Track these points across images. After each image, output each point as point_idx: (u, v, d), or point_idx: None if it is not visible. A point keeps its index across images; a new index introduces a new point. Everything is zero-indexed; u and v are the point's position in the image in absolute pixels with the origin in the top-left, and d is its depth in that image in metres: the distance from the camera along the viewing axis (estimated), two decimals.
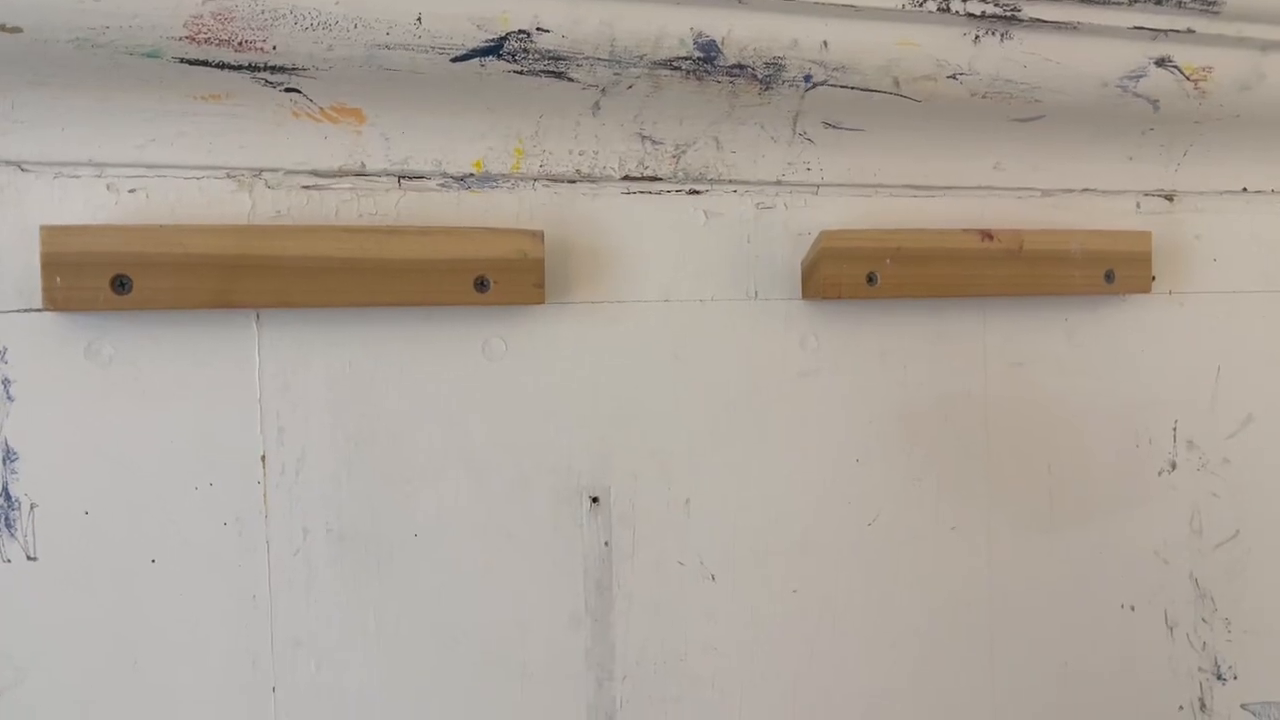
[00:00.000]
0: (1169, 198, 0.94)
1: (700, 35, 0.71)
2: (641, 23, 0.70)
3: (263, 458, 0.69)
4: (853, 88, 0.77)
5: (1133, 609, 0.93)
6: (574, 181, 0.76)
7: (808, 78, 0.75)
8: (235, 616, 0.69)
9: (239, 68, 0.65)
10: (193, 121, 0.67)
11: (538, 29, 0.68)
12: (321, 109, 0.69)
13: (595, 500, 0.77)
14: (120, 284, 0.64)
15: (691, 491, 0.79)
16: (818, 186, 0.83)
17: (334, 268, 0.68)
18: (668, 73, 0.72)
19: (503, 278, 0.72)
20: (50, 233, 0.62)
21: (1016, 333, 0.89)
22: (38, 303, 0.65)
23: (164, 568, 0.67)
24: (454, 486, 0.74)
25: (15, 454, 0.65)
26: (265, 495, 0.69)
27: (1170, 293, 0.94)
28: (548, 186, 0.76)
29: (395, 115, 0.71)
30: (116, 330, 0.67)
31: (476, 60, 0.68)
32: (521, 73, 0.69)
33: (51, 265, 0.62)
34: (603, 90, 0.72)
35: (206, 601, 0.68)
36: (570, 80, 0.71)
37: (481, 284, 0.71)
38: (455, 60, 0.67)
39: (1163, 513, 0.94)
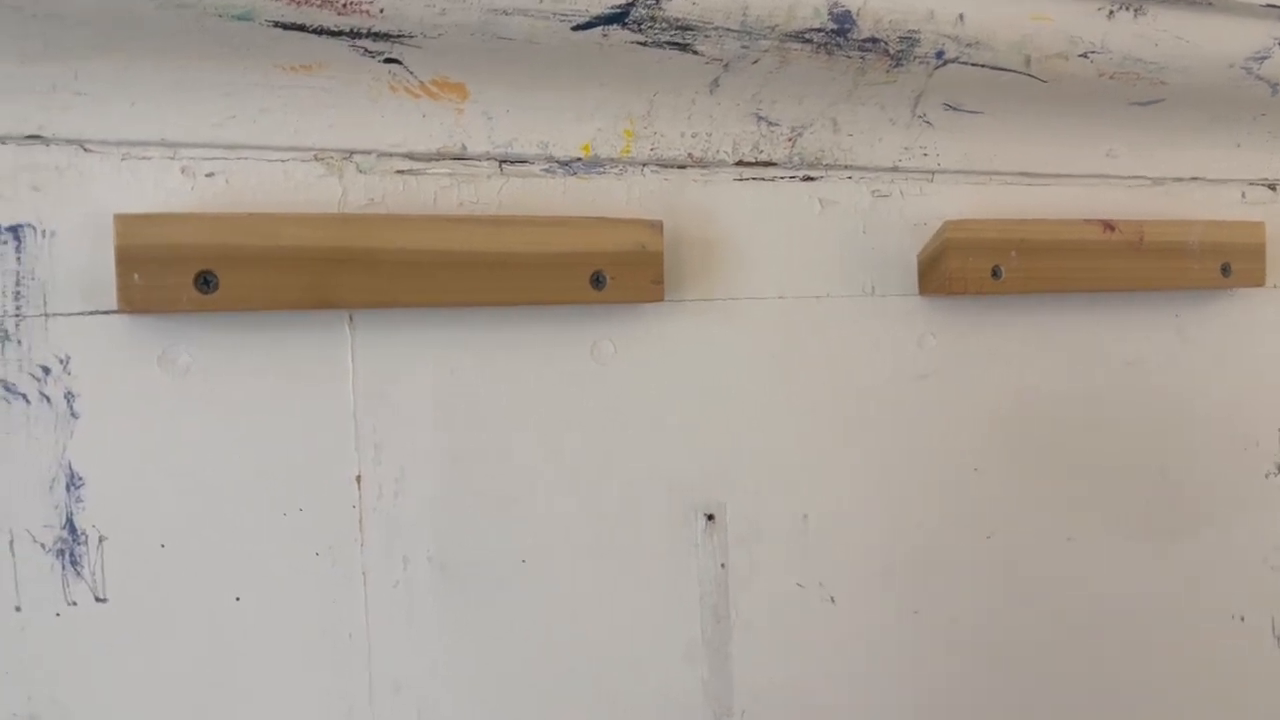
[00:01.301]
0: (1272, 187, 0.89)
1: (836, 5, 0.65)
2: None
3: (357, 478, 0.61)
4: (983, 65, 0.71)
5: (1242, 619, 0.88)
6: (684, 167, 0.69)
7: (940, 54, 0.69)
8: (329, 658, 0.61)
9: (338, 34, 0.57)
10: (278, 96, 0.59)
11: None
12: (421, 83, 0.61)
13: (710, 518, 0.70)
14: (204, 281, 0.55)
15: (810, 507, 0.73)
16: (933, 173, 0.76)
17: (441, 262, 0.60)
18: (798, 46, 0.65)
19: (620, 273, 0.64)
20: (126, 222, 0.54)
21: (1128, 330, 0.83)
22: (105, 304, 0.56)
23: (249, 605, 0.59)
24: (563, 506, 0.66)
25: (80, 479, 0.56)
26: (361, 521, 0.61)
27: (1275, 286, 0.89)
28: (657, 172, 0.69)
29: (500, 91, 0.63)
30: (193, 335, 0.58)
31: (599, 29, 0.60)
32: (645, 44, 0.62)
33: (128, 260, 0.54)
34: (726, 65, 0.65)
35: (297, 642, 0.60)
36: (695, 53, 0.64)
37: (597, 280, 0.64)
38: (577, 29, 0.60)
39: (1271, 518, 0.89)
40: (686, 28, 0.62)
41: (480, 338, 0.64)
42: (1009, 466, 0.79)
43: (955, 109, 0.74)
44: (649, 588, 0.68)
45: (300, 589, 0.60)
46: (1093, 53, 0.73)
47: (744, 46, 0.64)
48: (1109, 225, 0.78)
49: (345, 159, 0.61)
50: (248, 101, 0.58)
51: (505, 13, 0.58)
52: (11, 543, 0.54)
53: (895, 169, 0.75)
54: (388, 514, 0.62)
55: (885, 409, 0.75)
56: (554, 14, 0.59)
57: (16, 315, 0.54)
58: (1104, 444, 0.82)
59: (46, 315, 0.55)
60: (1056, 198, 0.81)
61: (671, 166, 0.69)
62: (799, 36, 0.65)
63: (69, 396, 0.56)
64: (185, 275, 0.55)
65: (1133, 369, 0.83)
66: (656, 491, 0.68)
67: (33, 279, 0.55)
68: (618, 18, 0.60)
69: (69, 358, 0.55)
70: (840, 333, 0.73)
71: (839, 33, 0.66)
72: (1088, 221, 0.78)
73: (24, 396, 0.55)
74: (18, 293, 0.55)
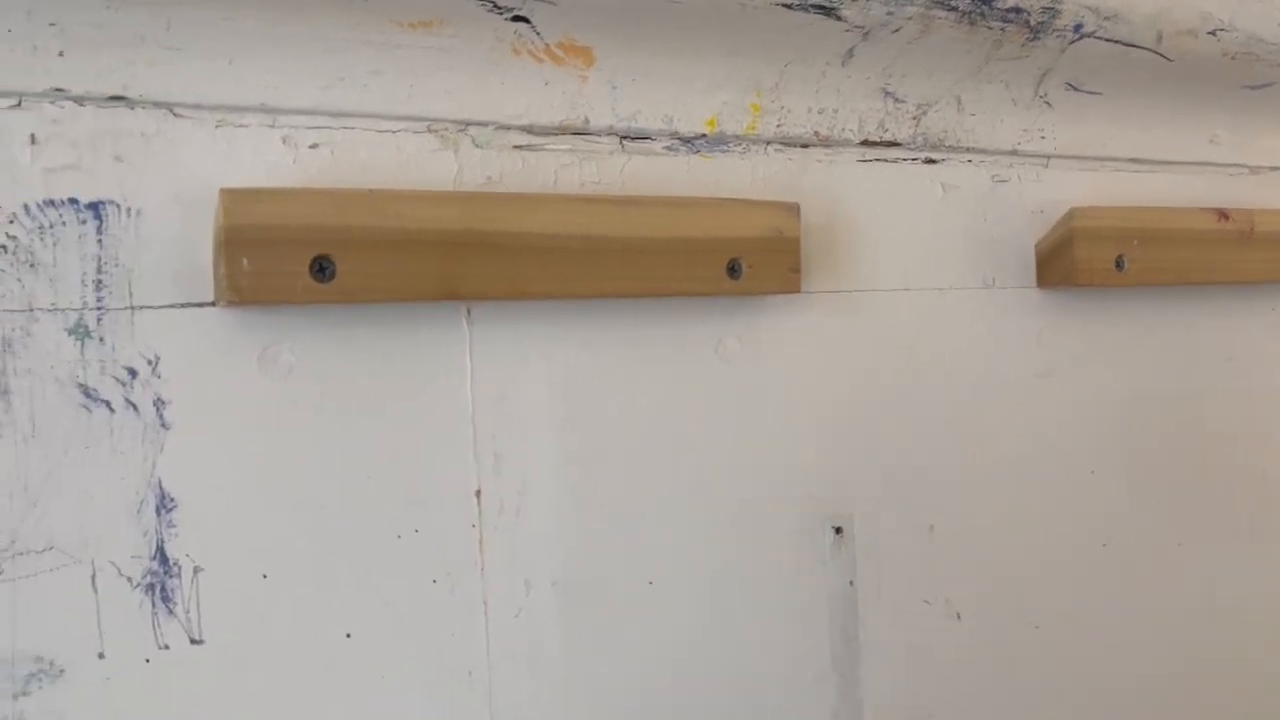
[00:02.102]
0: None
1: None
2: None
3: (477, 493, 0.54)
4: (1116, 41, 0.66)
5: None
6: (808, 146, 0.63)
7: (1078, 27, 0.64)
8: (449, 700, 0.53)
9: None
10: (392, 57, 0.51)
11: None
12: (547, 45, 0.54)
13: (838, 531, 0.64)
14: (320, 268, 0.47)
15: (935, 516, 0.67)
16: (1048, 158, 0.72)
17: (574, 249, 0.53)
18: (942, 14, 0.60)
19: (756, 261, 0.58)
20: (235, 198, 0.46)
21: (1226, 325, 0.80)
22: (199, 294, 0.48)
23: (361, 643, 0.51)
24: (690, 521, 0.59)
25: (173, 501, 0.47)
26: (481, 541, 0.54)
27: None
28: (781, 151, 0.63)
29: (628, 58, 0.56)
30: (297, 331, 0.50)
31: None
32: (790, 6, 0.56)
33: (238, 242, 0.46)
34: (865, 34, 0.59)
35: (414, 683, 0.52)
36: (838, 19, 0.58)
37: (733, 269, 0.57)
38: None
39: None
40: None
41: (600, 334, 0.57)
42: (1122, 469, 0.74)
43: (1076, 89, 0.70)
44: (778, 608, 0.62)
45: (417, 622, 0.52)
46: (1220, 30, 0.69)
47: (889, 13, 0.59)
48: (1223, 214, 0.74)
49: (460, 131, 0.54)
50: (358, 62, 0.51)
51: None
52: (93, 577, 0.46)
53: (1014, 152, 0.70)
54: (509, 533, 0.55)
55: (1005, 410, 0.70)
56: None
57: (98, 308, 0.46)
58: (1207, 444, 0.79)
59: (132, 308, 0.47)
60: (1162, 185, 0.77)
61: (795, 145, 0.63)
62: (944, 4, 0.60)
63: (158, 403, 0.47)
64: (300, 261, 0.47)
65: (1231, 365, 0.80)
66: (785, 503, 0.62)
67: (116, 265, 0.46)
68: None
69: (158, 358, 0.47)
70: (962, 329, 0.68)
71: (985, 1, 0.60)
72: (1203, 210, 0.74)
73: (107, 404, 0.46)
74: (99, 281, 0.46)
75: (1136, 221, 0.70)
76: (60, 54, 0.45)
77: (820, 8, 0.57)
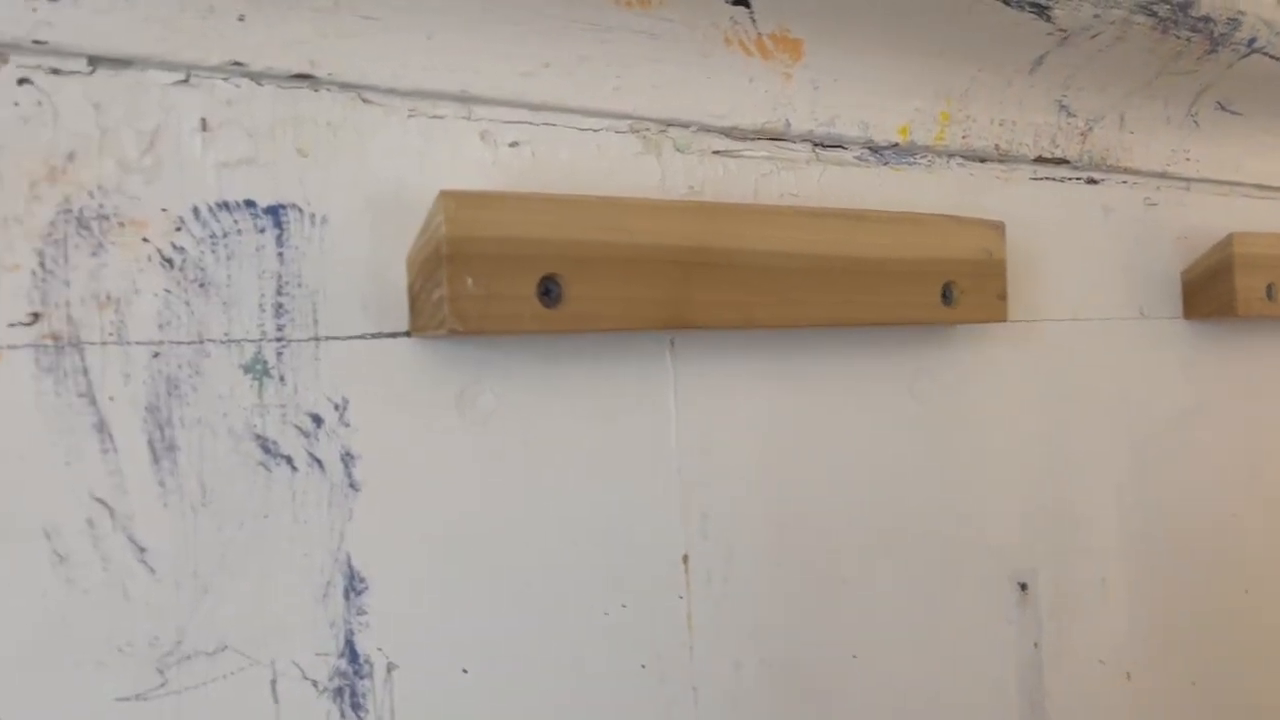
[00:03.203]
0: None
1: None
2: None
3: (684, 559, 0.45)
4: (1277, 58, 0.63)
5: None
6: (986, 160, 0.57)
7: (1251, 41, 0.61)
8: None
9: None
10: (603, 41, 0.43)
11: None
12: (759, 36, 0.47)
13: (1024, 587, 0.57)
14: (545, 290, 0.39)
15: (1108, 568, 0.61)
16: (1189, 182, 0.68)
17: (799, 269, 0.45)
18: (1142, 19, 0.55)
19: (967, 285, 0.51)
20: (459, 204, 0.37)
21: None
22: (392, 323, 0.39)
23: None
24: (888, 584, 0.52)
25: (363, 582, 0.38)
26: (689, 616, 0.45)
27: None
28: (963, 165, 0.57)
29: (834, 55, 0.49)
30: (496, 366, 0.41)
31: None
32: (1007, 2, 0.50)
33: (463, 258, 0.37)
34: (1065, 38, 0.54)
35: None
36: (1048, 19, 0.52)
37: (946, 294, 0.51)
38: None
39: None
40: None
41: (799, 371, 0.50)
42: (1260, 510, 0.70)
43: (1224, 109, 0.66)
44: (969, 676, 0.55)
45: (625, 718, 0.43)
46: None
47: (1095, 15, 0.53)
48: None
49: (661, 132, 0.46)
50: (568, 45, 0.42)
51: None
52: (273, 683, 0.36)
53: (1163, 174, 0.66)
54: (717, 606, 0.46)
55: (1159, 449, 0.65)
56: None
57: (278, 339, 0.36)
58: None
59: (317, 339, 0.37)
60: (1271, 212, 0.74)
61: (975, 159, 0.57)
62: (1146, 8, 0.55)
63: (347, 459, 0.38)
64: (527, 282, 0.38)
65: None
66: (973, 558, 0.55)
67: (299, 285, 0.37)
68: None
69: (346, 402, 0.38)
70: (1122, 363, 0.63)
71: (1183, 7, 0.56)
72: None
73: (288, 460, 0.36)
74: (279, 306, 0.36)
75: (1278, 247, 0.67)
76: (240, 18, 0.35)
77: (1035, 5, 0.51)
